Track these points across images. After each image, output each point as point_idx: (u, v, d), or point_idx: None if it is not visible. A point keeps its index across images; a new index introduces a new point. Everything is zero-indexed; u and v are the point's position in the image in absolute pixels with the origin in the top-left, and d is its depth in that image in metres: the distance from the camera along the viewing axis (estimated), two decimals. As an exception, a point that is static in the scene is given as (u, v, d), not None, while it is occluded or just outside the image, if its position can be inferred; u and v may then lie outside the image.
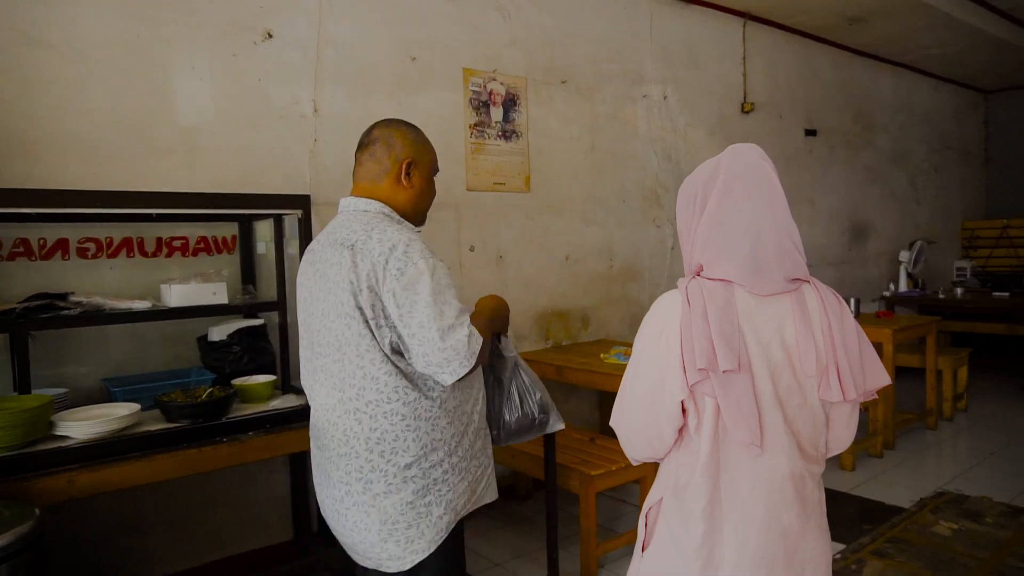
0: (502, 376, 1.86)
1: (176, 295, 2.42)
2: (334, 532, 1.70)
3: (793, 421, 1.21)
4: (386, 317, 1.49)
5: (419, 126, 1.75)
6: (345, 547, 1.69)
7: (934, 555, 2.99)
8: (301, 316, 1.68)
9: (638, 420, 1.25)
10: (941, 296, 6.18)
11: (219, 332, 2.66)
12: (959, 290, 6.20)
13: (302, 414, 2.48)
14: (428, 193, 1.71)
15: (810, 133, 5.73)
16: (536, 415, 1.86)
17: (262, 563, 3.01)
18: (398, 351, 1.52)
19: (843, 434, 1.31)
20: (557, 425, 1.94)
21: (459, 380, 1.52)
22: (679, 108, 4.74)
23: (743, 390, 1.16)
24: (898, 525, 3.31)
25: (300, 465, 3.04)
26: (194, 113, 2.80)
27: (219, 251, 2.87)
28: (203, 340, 2.70)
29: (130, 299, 2.39)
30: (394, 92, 3.37)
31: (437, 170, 1.74)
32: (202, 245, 2.82)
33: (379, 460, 1.53)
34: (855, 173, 6.34)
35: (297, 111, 3.08)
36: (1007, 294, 5.99)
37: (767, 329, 1.20)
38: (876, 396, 1.33)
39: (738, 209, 1.22)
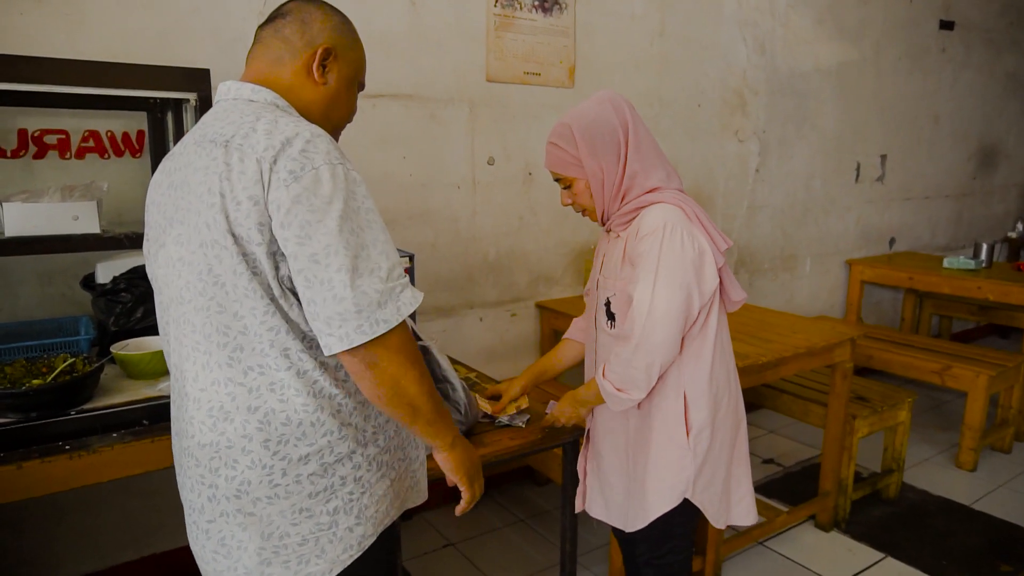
0: None
1: (14, 219, 1.60)
2: (196, 560, 1.20)
3: None
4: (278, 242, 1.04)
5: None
6: None
7: (1115, 631, 2.11)
8: (150, 249, 1.17)
9: (675, 321, 1.45)
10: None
11: (105, 271, 1.86)
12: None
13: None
14: (345, 102, 1.23)
15: (946, 26, 4.45)
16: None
17: None
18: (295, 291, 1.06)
19: None
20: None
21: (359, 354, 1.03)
22: (781, -18, 3.57)
23: (726, 262, 1.58)
24: (1053, 572, 2.41)
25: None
26: (71, -57, 1.90)
27: (118, 153, 2.02)
28: (88, 281, 1.90)
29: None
30: (385, -67, 2.37)
31: (363, 85, 1.28)
32: (92, 143, 1.98)
33: (261, 452, 1.07)
34: (993, 82, 5.03)
35: (238, -49, 2.14)
36: None
37: None
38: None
39: (653, 142, 1.56)
